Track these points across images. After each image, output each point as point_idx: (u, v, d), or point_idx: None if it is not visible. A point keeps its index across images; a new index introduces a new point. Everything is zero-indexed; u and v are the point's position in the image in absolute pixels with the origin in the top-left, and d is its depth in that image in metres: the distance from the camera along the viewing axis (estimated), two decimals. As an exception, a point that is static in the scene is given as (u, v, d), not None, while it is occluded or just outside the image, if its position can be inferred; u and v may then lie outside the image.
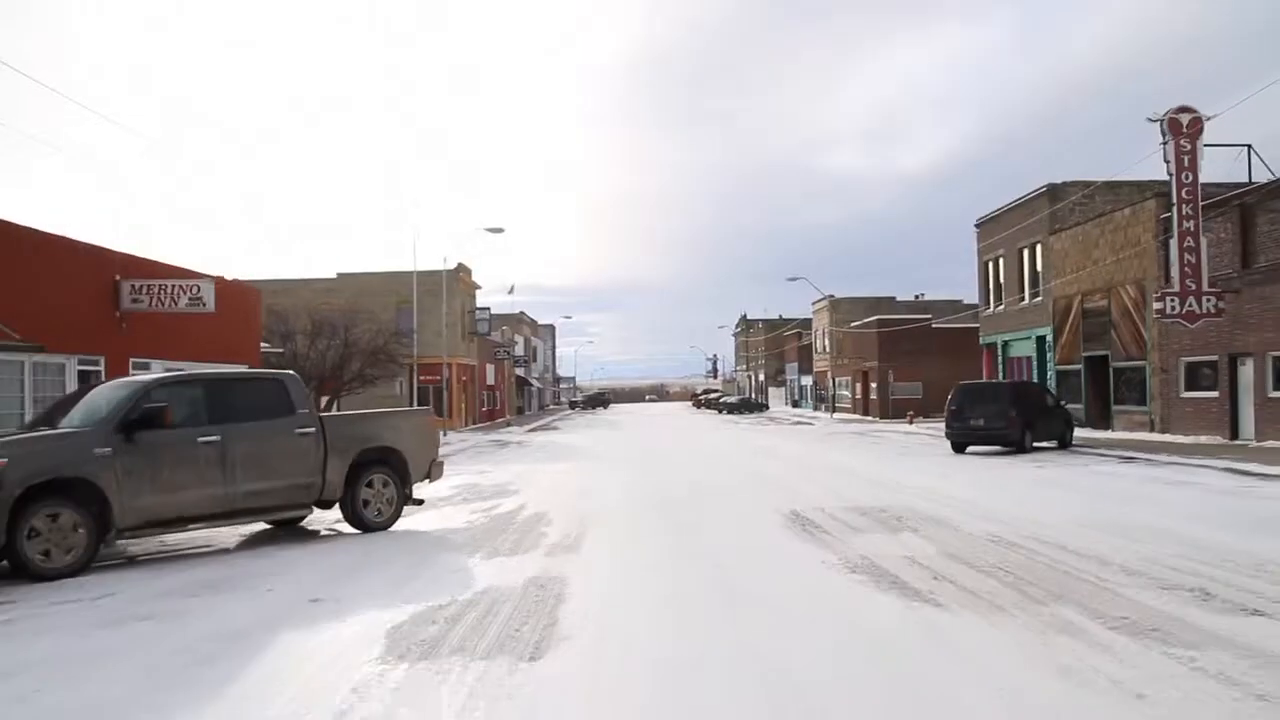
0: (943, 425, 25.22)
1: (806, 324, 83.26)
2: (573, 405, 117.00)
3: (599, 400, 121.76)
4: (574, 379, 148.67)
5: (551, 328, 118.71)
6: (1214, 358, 24.86)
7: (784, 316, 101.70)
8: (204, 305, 19.80)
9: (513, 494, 15.90)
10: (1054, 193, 34.78)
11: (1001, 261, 39.28)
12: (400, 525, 11.85)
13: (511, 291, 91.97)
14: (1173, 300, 23.72)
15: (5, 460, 8.74)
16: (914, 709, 4.67)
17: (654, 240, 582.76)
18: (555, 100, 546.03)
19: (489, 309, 63.77)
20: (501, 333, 72.49)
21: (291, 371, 12.23)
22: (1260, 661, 5.21)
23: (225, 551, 10.67)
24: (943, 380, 39.50)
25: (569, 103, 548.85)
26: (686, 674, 5.29)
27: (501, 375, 72.01)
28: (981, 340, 41.80)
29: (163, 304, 19.80)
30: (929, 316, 59.54)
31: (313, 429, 11.01)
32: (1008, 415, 22.99)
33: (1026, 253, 36.80)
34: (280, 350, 34.09)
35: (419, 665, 5.54)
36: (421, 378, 47.60)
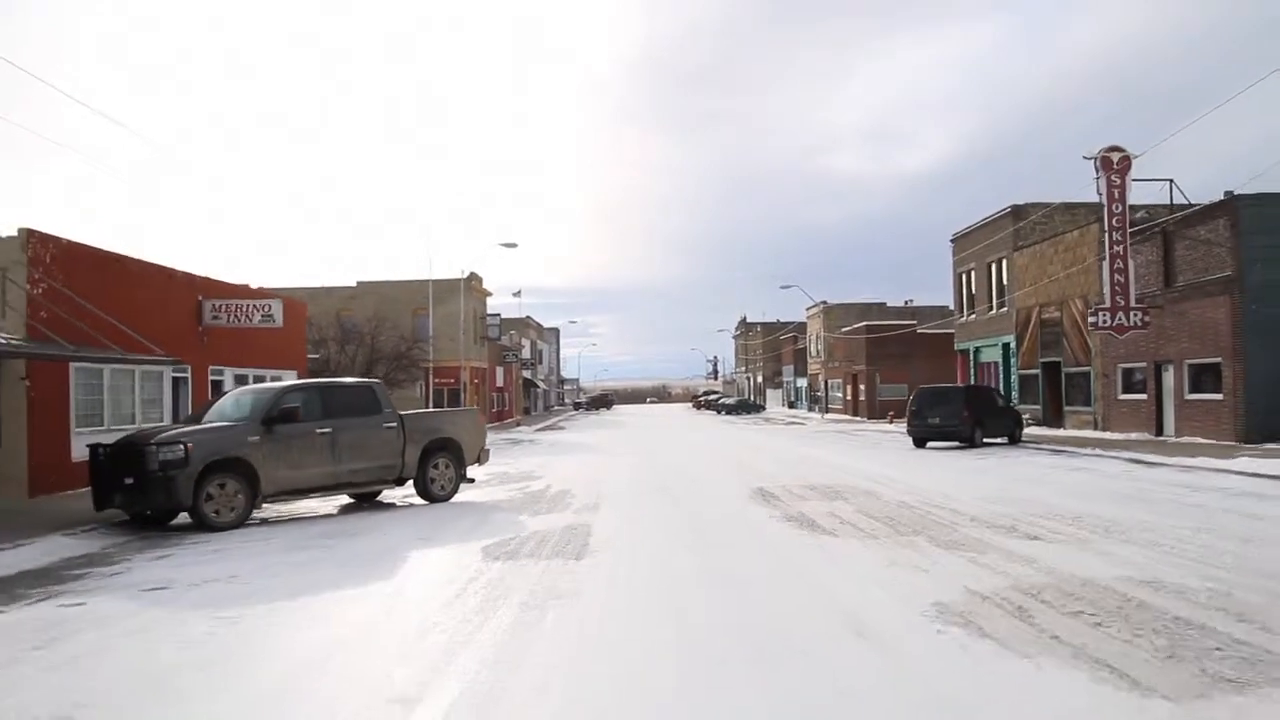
0: (918, 424, 28.72)
1: (803, 328, 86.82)
2: (577, 406, 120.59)
3: (603, 401, 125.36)
4: (578, 380, 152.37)
5: (556, 331, 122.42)
6: (1143, 364, 28.43)
7: (781, 320, 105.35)
8: (274, 321, 23.41)
9: (538, 479, 19.48)
10: (1017, 212, 38.38)
11: (973, 274, 42.87)
12: (457, 498, 15.43)
13: (518, 295, 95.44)
14: (1104, 314, 27.30)
15: (192, 444, 12.36)
16: (794, 577, 8.24)
17: (657, 241, 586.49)
18: (559, 103, 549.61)
19: (499, 315, 67.48)
20: (509, 336, 76.00)
21: (379, 380, 15.83)
22: (1014, 558, 8.76)
23: (331, 516, 14.25)
24: (926, 382, 42.99)
25: (572, 105, 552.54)
26: (667, 569, 8.88)
27: (510, 378, 75.54)
28: (956, 346, 45.41)
29: (239, 320, 23.41)
30: (915, 322, 63.13)
31: (395, 423, 14.62)
32: (960, 415, 26.58)
33: (994, 267, 40.41)
34: (316, 355, 37.71)
35: (508, 562, 9.15)
36: (436, 380, 51.22)
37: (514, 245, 45.52)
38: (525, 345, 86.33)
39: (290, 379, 28.06)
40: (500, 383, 71.33)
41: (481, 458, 16.12)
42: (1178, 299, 26.55)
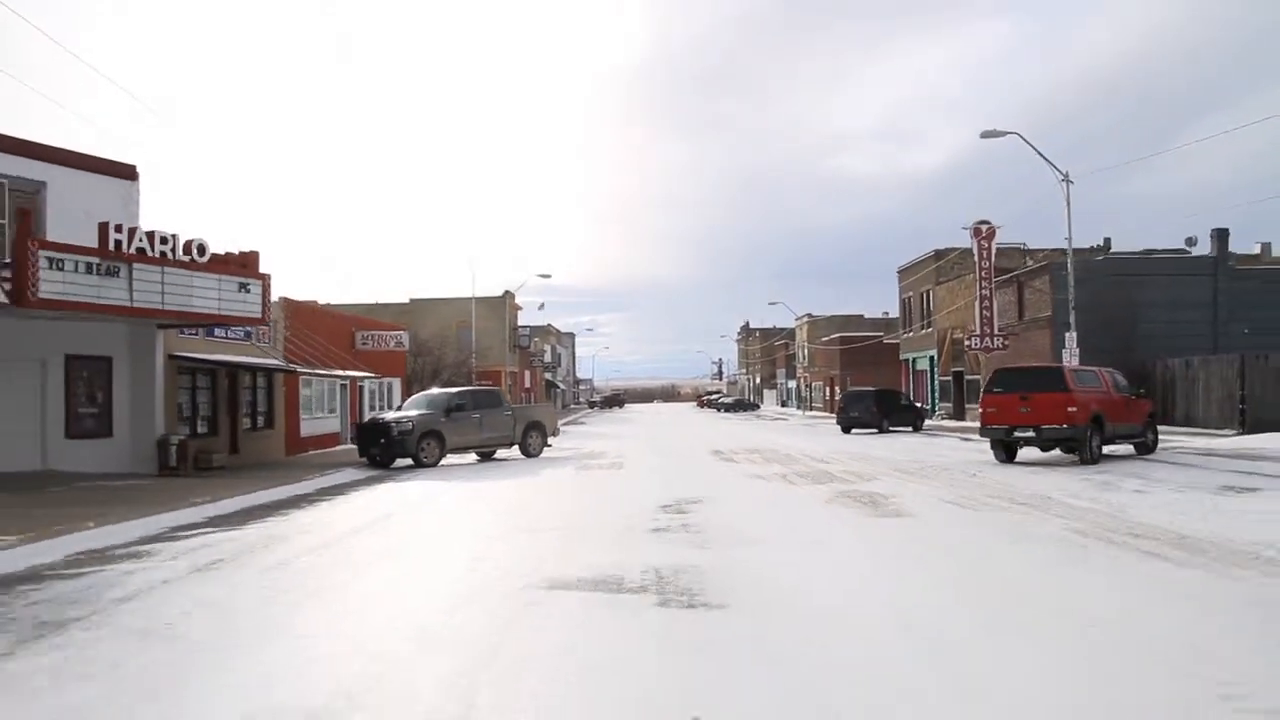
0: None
1: (793, 335, 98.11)
2: (591, 405, 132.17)
3: (615, 401, 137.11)
4: (591, 381, 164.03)
5: (572, 336, 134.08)
6: (1008, 374, 39.67)
7: (779, 327, 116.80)
8: (404, 346, 34.91)
9: (585, 450, 30.90)
10: (939, 254, 49.69)
11: (911, 300, 54.17)
12: (543, 455, 26.79)
13: (542, 308, 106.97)
14: (976, 339, 38.61)
15: (414, 422, 23.80)
16: (709, 471, 19.63)
17: (666, 241, 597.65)
18: (568, 104, 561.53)
19: (528, 327, 79.12)
20: (533, 343, 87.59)
21: (500, 387, 27.25)
22: (805, 466, 20.05)
23: (472, 465, 25.61)
24: (890, 385, 54.17)
25: (581, 106, 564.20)
26: (657, 469, 20.32)
27: (535, 380, 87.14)
28: (900, 356, 56.70)
29: (380, 346, 34.89)
30: (881, 334, 74.28)
31: (510, 412, 26.09)
32: (871, 410, 37.93)
33: (924, 295, 51.72)
34: (400, 365, 49.08)
35: (587, 472, 20.70)
36: (477, 383, 62.66)
37: (548, 276, 56.95)
38: (546, 350, 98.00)
39: (396, 383, 39.80)
40: (528, 384, 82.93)
41: (556, 432, 27.60)
42: (1025, 329, 37.85)
